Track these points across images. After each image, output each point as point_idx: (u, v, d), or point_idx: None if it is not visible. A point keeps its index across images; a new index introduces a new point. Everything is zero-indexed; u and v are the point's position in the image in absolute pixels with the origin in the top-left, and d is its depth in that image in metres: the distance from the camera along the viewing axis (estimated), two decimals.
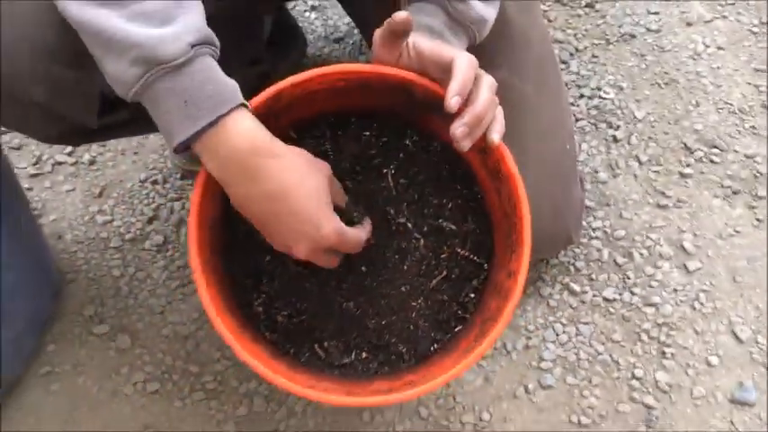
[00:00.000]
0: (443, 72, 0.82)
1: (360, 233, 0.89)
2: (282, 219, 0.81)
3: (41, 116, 0.89)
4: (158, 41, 0.73)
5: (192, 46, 0.75)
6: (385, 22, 0.82)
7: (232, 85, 0.78)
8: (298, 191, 0.80)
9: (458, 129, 0.80)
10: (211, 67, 0.77)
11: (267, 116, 0.84)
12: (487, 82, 0.82)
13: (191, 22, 0.75)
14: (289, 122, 0.92)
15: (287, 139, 0.86)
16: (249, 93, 0.85)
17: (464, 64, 0.80)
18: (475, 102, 0.80)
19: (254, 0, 1.07)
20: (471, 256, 0.97)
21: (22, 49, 0.82)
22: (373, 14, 1.01)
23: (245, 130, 0.78)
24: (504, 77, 0.93)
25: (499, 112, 0.84)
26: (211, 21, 0.80)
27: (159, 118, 0.77)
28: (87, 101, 0.88)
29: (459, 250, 0.97)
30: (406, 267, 0.96)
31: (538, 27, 1.11)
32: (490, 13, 0.91)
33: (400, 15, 0.80)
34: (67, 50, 0.81)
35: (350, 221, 0.90)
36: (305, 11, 1.60)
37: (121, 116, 0.92)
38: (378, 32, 0.84)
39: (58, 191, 1.38)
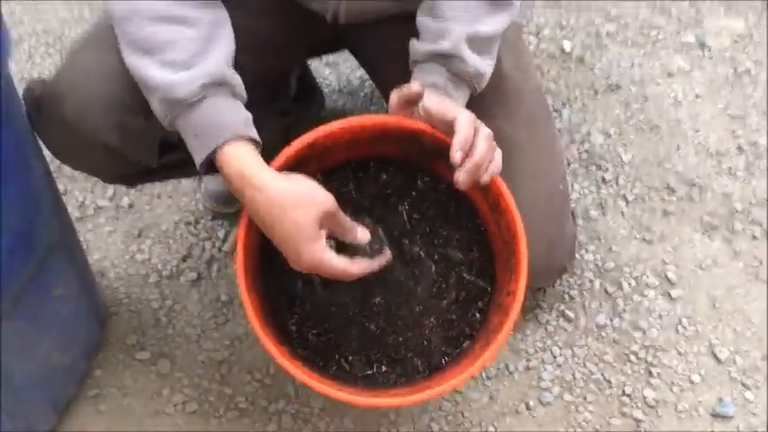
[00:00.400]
0: (447, 128, 0.94)
1: (347, 267, 0.93)
2: (275, 239, 0.92)
3: (110, 159, 1.02)
4: (173, 85, 0.89)
5: (204, 87, 0.89)
6: (401, 90, 0.95)
7: (233, 119, 0.90)
8: (280, 223, 0.88)
9: (460, 175, 0.92)
10: (219, 103, 0.90)
11: (301, 162, 0.95)
12: (485, 133, 0.93)
13: (206, 68, 0.89)
14: (318, 168, 1.03)
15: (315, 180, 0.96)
16: (277, 142, 0.97)
17: (465, 122, 0.92)
18: (474, 153, 0.91)
19: (285, 62, 1.19)
20: (476, 280, 1.07)
21: (98, 101, 0.97)
22: (385, 67, 1.14)
23: (233, 158, 0.89)
24: (500, 126, 1.02)
25: (498, 154, 0.94)
26: (251, 82, 0.94)
27: (187, 144, 0.92)
28: (150, 144, 1.02)
29: (465, 275, 1.07)
30: (419, 291, 1.05)
31: (531, 80, 1.18)
32: (486, 68, 1.01)
33: (415, 88, 0.93)
34: (135, 101, 0.94)
35: (352, 252, 0.96)
36: (320, 67, 1.70)
37: (177, 156, 1.03)
38: (394, 97, 0.96)
39: (100, 232, 1.47)
